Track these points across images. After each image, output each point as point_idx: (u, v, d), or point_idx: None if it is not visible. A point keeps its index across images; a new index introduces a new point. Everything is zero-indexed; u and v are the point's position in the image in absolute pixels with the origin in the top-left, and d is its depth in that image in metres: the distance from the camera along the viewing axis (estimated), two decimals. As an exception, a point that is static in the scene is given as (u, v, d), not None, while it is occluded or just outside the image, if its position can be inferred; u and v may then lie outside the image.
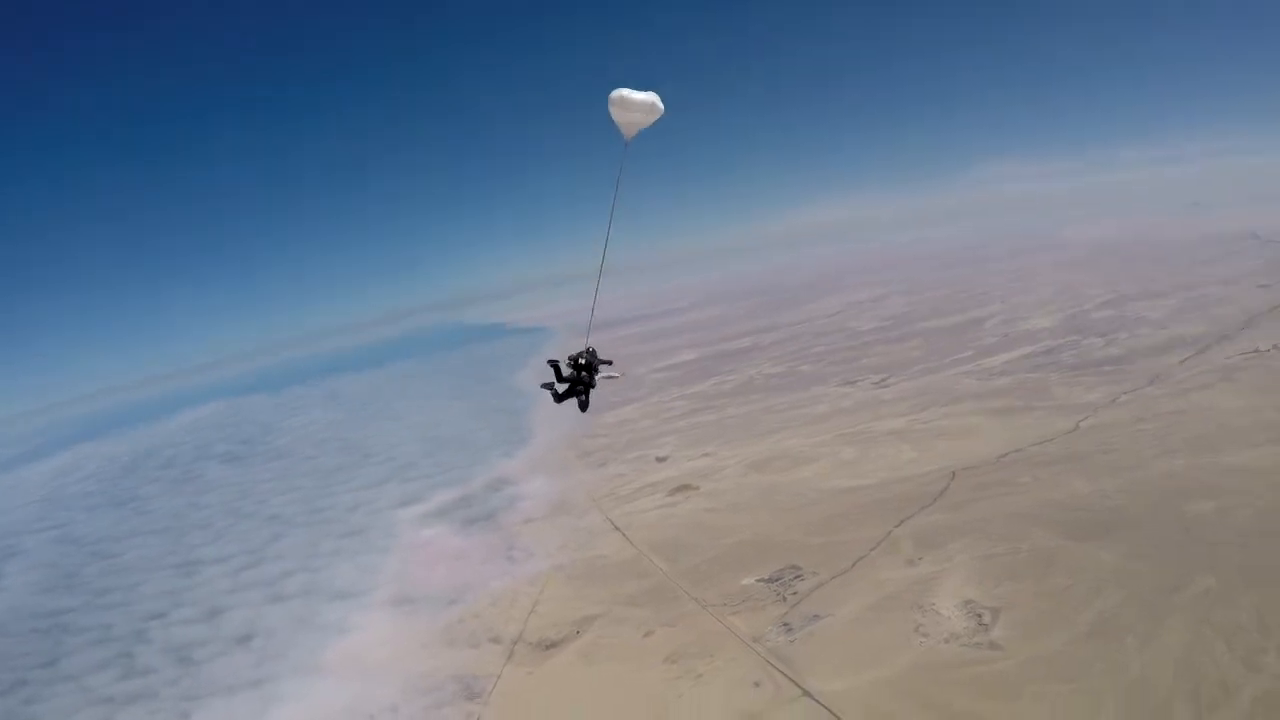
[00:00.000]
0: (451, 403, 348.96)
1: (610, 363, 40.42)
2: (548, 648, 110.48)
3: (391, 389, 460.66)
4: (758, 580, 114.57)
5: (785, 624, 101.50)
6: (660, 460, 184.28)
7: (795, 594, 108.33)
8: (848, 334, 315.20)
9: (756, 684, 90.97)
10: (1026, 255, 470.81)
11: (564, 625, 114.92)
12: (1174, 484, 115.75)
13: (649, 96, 33.07)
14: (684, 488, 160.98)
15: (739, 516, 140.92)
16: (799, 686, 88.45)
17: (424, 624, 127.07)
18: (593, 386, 39.69)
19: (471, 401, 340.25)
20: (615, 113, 33.17)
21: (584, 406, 39.92)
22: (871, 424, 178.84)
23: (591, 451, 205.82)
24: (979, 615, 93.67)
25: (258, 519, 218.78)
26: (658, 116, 33.64)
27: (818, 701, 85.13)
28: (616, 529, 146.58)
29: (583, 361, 39.09)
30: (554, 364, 39.84)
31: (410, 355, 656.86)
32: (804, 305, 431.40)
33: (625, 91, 32.84)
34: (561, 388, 39.49)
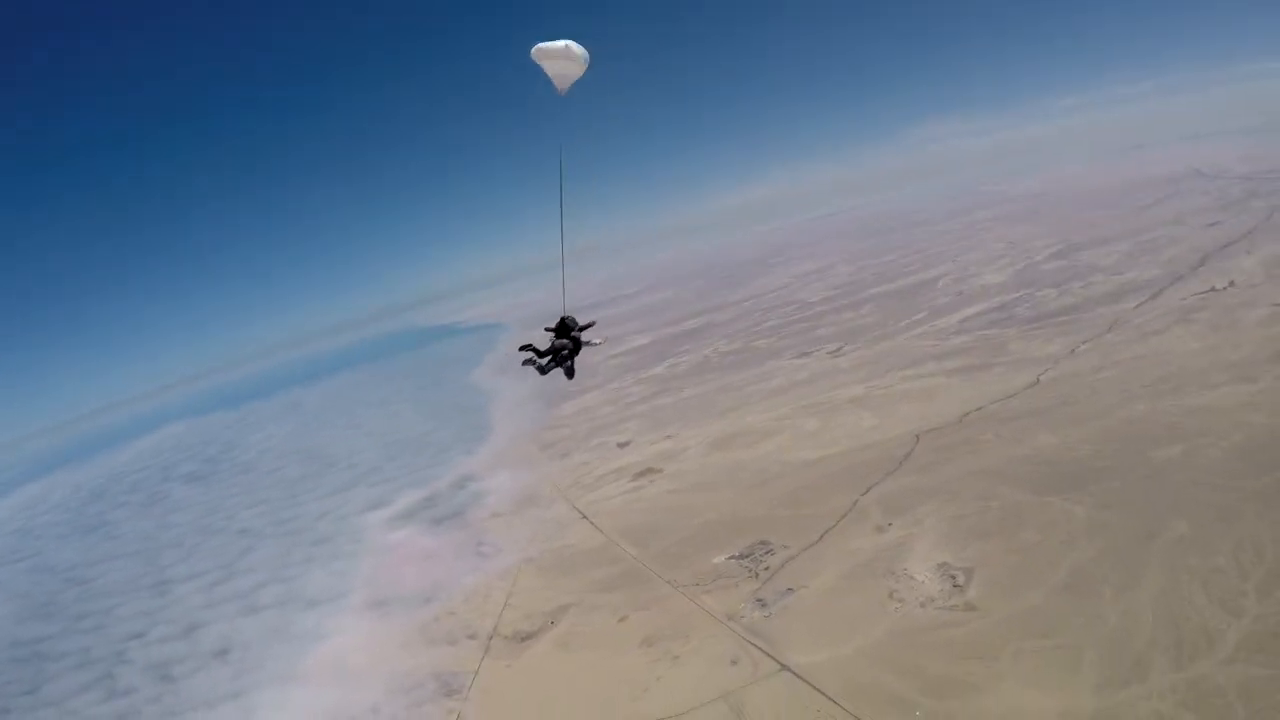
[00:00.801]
0: (410, 405, 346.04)
1: (593, 324, 39.57)
2: (523, 639, 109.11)
3: (350, 396, 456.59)
4: (728, 558, 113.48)
5: (759, 600, 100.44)
6: (622, 446, 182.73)
7: (767, 569, 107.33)
8: (798, 306, 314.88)
9: (734, 661, 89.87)
10: (971, 213, 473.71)
11: (538, 616, 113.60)
12: (1139, 430, 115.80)
13: (565, 44, 31.92)
14: (648, 471, 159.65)
15: (705, 496, 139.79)
16: (777, 661, 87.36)
17: (400, 625, 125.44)
18: (576, 352, 38.68)
19: (430, 402, 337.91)
20: (546, 65, 31.95)
21: (570, 373, 39.03)
22: (831, 393, 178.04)
23: (553, 443, 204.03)
24: (952, 577, 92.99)
25: (227, 534, 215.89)
26: (584, 66, 32.36)
27: (796, 675, 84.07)
28: (584, 517, 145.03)
29: (565, 325, 38.39)
30: (529, 347, 38.75)
31: (365, 361, 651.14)
32: (752, 281, 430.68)
33: (544, 44, 32.07)
34: (544, 360, 38.46)
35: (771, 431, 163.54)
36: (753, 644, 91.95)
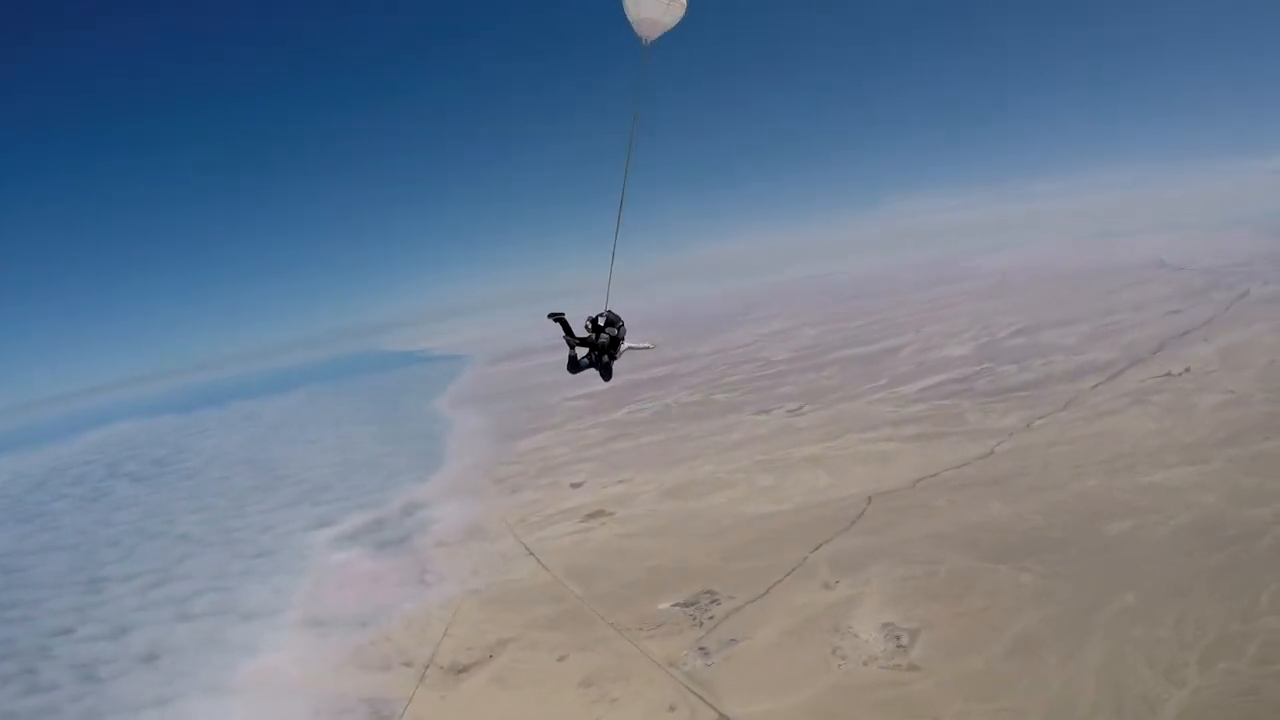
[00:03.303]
0: (367, 427, 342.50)
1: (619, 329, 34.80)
2: (460, 671, 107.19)
3: (306, 413, 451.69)
4: (673, 605, 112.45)
5: (701, 648, 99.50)
6: (575, 487, 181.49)
7: (711, 618, 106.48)
8: (762, 363, 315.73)
9: (672, 708, 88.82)
10: (941, 285, 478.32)
11: (477, 649, 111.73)
12: (1091, 504, 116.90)
13: None
14: (599, 513, 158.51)
15: (654, 542, 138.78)
16: (715, 710, 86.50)
17: (335, 646, 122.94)
18: (614, 358, 34.63)
19: (387, 426, 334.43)
20: (631, 9, 30.25)
21: (607, 375, 34.98)
22: (787, 451, 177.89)
23: (506, 477, 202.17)
24: (897, 637, 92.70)
25: (167, 538, 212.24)
26: (680, 15, 30.61)
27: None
28: (530, 554, 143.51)
29: (602, 323, 34.21)
30: (560, 319, 34.05)
31: (326, 380, 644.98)
32: (721, 335, 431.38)
33: None
34: (579, 353, 34.45)
35: (726, 484, 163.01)
36: (692, 691, 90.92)
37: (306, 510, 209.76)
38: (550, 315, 34.20)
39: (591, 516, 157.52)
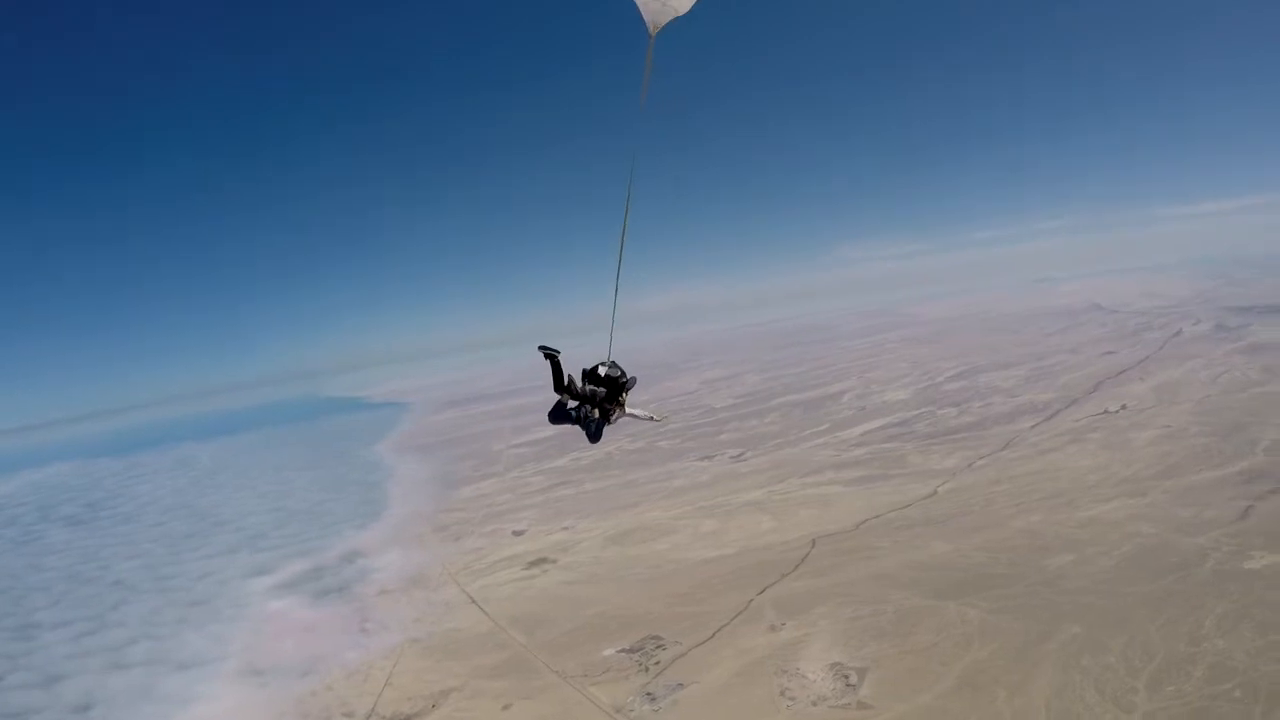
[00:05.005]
0: (306, 474, 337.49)
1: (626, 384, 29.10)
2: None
3: (245, 458, 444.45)
4: (619, 651, 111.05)
5: (648, 693, 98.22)
6: (517, 534, 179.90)
7: (657, 663, 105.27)
8: (704, 411, 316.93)
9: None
10: (882, 332, 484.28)
11: (419, 699, 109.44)
12: (1033, 540, 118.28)
13: None
14: (542, 561, 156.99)
15: (598, 588, 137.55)
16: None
17: (275, 696, 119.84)
18: (608, 418, 28.86)
19: (326, 473, 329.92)
20: None
21: (595, 436, 28.80)
22: (730, 496, 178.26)
23: (447, 525, 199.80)
24: (846, 676, 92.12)
25: (101, 584, 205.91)
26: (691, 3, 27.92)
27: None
28: (473, 602, 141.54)
29: (601, 374, 28.54)
30: (552, 356, 28.47)
31: (266, 424, 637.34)
32: (660, 384, 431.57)
33: None
34: (570, 404, 28.69)
35: (669, 529, 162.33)
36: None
37: (245, 557, 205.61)
38: (541, 349, 28.79)
39: (534, 564, 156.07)
